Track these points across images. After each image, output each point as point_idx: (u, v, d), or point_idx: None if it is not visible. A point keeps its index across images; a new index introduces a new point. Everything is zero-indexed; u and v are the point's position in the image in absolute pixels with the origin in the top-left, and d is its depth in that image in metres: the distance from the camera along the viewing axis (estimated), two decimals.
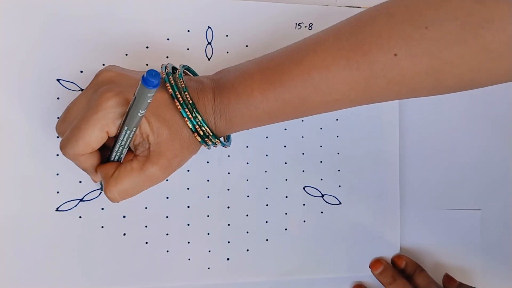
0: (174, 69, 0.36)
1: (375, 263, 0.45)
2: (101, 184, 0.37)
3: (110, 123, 0.31)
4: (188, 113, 0.33)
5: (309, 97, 0.32)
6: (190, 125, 0.33)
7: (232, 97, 0.33)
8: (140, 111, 0.29)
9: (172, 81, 0.33)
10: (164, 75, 0.34)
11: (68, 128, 0.32)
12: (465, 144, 0.48)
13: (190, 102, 0.33)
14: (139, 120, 0.30)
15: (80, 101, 0.34)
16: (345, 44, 0.32)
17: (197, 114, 0.33)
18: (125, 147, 0.33)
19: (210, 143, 0.34)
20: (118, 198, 0.33)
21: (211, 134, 0.34)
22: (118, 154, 0.33)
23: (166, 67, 0.35)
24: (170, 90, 0.33)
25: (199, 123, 0.33)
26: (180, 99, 0.33)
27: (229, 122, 0.34)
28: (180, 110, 0.33)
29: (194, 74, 0.39)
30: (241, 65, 0.35)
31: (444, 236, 0.47)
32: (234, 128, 0.35)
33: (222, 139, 0.35)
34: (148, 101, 0.29)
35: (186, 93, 0.33)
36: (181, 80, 0.33)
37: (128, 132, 0.31)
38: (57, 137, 0.40)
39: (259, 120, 0.34)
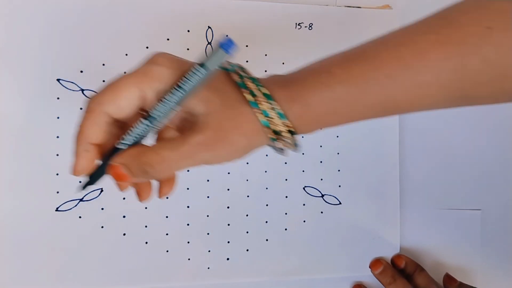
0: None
1: (375, 263, 0.45)
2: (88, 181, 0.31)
3: (150, 86, 0.27)
4: (260, 101, 0.28)
5: (399, 76, 0.28)
6: (249, 97, 0.28)
7: (309, 77, 0.29)
8: (201, 81, 0.26)
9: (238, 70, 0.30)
10: (226, 66, 0.30)
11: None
12: (465, 144, 0.48)
13: (260, 85, 0.28)
14: (189, 91, 0.27)
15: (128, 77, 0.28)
16: (434, 23, 0.30)
17: (269, 100, 0.28)
18: (159, 126, 0.28)
19: (278, 139, 0.28)
20: (161, 173, 0.28)
21: (280, 122, 0.28)
22: (142, 135, 0.28)
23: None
24: (237, 77, 0.29)
25: (268, 107, 0.28)
26: (239, 71, 0.29)
27: (305, 109, 0.28)
28: (238, 82, 0.29)
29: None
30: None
31: (444, 236, 0.47)
32: (311, 118, 0.29)
33: (295, 138, 0.29)
34: (213, 66, 0.26)
35: (254, 81, 0.29)
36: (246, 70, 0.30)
37: (172, 103, 0.27)
38: (57, 137, 0.40)
39: (339, 107, 0.29)
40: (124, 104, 0.27)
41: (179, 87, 0.27)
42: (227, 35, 0.25)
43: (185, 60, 0.29)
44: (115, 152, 0.29)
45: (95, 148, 0.29)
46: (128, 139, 0.28)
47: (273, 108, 0.28)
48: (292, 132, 0.28)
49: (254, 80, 0.29)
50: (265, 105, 0.28)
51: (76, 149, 0.29)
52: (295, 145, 0.29)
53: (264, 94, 0.28)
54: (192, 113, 0.28)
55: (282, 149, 0.30)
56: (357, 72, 0.28)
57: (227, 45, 0.26)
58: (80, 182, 0.40)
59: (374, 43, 0.30)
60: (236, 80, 0.29)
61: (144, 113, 0.28)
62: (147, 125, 0.27)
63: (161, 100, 0.27)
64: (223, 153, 0.28)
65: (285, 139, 0.28)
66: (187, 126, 0.28)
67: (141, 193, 0.31)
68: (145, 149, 0.28)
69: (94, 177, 0.31)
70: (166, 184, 0.31)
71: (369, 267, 0.45)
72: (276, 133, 0.28)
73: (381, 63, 0.28)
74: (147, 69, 0.27)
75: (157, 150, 0.27)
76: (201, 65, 0.27)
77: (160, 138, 0.30)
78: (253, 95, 0.28)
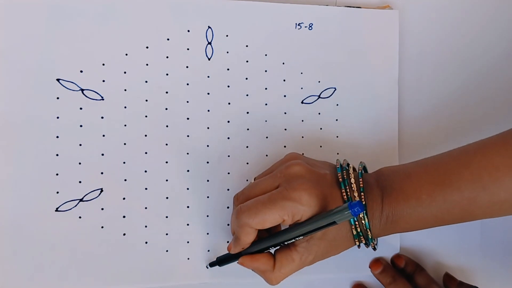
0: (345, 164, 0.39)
1: (375, 263, 0.45)
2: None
3: (291, 215, 0.34)
4: (358, 223, 0.35)
5: (478, 198, 0.34)
6: (355, 232, 0.36)
7: (400, 199, 0.35)
8: (328, 226, 0.33)
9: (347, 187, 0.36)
10: (340, 179, 0.37)
11: (249, 200, 0.35)
12: (465, 144, 0.48)
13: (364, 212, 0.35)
14: (313, 231, 0.34)
15: (268, 183, 0.36)
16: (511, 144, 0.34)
17: (367, 227, 0.35)
18: (288, 243, 0.36)
19: (364, 243, 0.37)
20: (279, 282, 0.37)
21: (370, 237, 0.36)
22: (273, 249, 0.37)
23: (342, 171, 0.37)
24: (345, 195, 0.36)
25: (363, 227, 0.36)
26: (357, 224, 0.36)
27: (393, 224, 0.36)
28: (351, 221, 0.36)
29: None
30: (404, 166, 0.38)
31: (444, 236, 0.47)
32: (395, 230, 0.36)
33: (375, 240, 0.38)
34: (339, 220, 0.32)
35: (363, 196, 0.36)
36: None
37: (301, 237, 0.35)
38: (57, 137, 0.40)
39: (424, 223, 0.36)
40: (267, 225, 0.34)
41: (313, 230, 0.34)
42: (359, 201, 0.32)
43: (315, 171, 0.37)
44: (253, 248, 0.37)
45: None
46: (269, 247, 0.37)
47: (367, 232, 0.36)
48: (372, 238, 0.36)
49: (367, 227, 0.36)
50: (364, 237, 0.36)
51: (235, 243, 0.37)
52: (374, 245, 0.37)
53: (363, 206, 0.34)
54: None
55: (366, 246, 0.37)
56: (441, 198, 0.34)
57: (356, 210, 0.31)
58: (80, 182, 0.40)
59: (457, 159, 0.35)
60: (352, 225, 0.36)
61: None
62: (285, 240, 0.35)
63: (294, 228, 0.35)
64: (318, 261, 0.37)
65: (367, 241, 0.37)
66: (303, 250, 0.36)
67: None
68: (271, 261, 0.36)
69: (224, 261, 0.40)
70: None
71: (369, 267, 0.45)
72: (359, 237, 0.36)
73: (463, 187, 0.34)
74: (293, 206, 0.34)
75: (280, 270, 0.36)
76: (332, 222, 0.33)
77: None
78: (360, 235, 0.36)
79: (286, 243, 0.36)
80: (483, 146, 0.35)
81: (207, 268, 0.42)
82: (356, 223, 0.35)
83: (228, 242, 0.43)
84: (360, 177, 0.37)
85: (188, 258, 0.42)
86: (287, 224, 0.35)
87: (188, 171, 0.43)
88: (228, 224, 0.43)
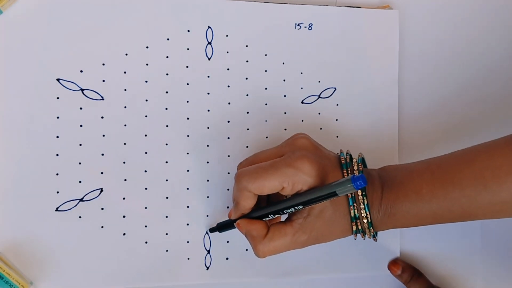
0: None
1: (393, 265, 0.44)
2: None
3: (291, 183, 0.34)
4: (356, 205, 0.35)
5: (478, 196, 0.33)
6: (352, 214, 0.35)
7: (400, 194, 0.35)
8: (328, 199, 0.33)
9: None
10: (343, 162, 0.37)
11: (252, 166, 0.35)
12: (465, 144, 0.48)
13: (363, 194, 0.35)
14: (315, 202, 0.34)
15: (273, 151, 0.37)
16: None
17: (367, 210, 0.35)
18: (286, 214, 0.36)
19: (363, 234, 0.36)
20: (266, 255, 0.36)
21: (369, 227, 0.35)
22: (272, 216, 0.36)
23: (345, 155, 0.37)
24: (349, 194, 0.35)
25: (363, 215, 0.35)
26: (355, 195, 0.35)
27: (391, 218, 0.35)
28: (349, 198, 0.35)
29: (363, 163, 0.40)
30: (407, 164, 0.38)
31: (444, 240, 0.47)
32: (392, 224, 0.36)
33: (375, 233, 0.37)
34: (343, 194, 0.32)
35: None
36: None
37: (301, 207, 0.34)
38: (57, 137, 0.40)
39: (423, 219, 0.36)
40: (266, 191, 0.34)
41: (313, 199, 0.33)
42: (361, 173, 0.33)
43: (321, 148, 0.37)
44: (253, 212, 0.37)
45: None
46: (268, 215, 0.36)
47: (366, 217, 0.35)
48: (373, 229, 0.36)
49: (366, 206, 0.35)
50: (364, 221, 0.35)
51: (234, 209, 0.37)
52: (373, 236, 0.37)
53: (366, 207, 0.35)
54: (310, 210, 0.35)
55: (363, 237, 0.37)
56: (442, 193, 0.34)
57: (359, 183, 0.31)
58: (80, 182, 0.40)
59: (460, 157, 0.35)
60: (349, 195, 0.35)
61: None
62: (282, 210, 0.35)
63: (294, 195, 0.35)
64: (312, 244, 0.37)
65: (367, 232, 0.36)
66: (296, 218, 0.36)
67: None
68: (258, 227, 0.36)
69: (224, 227, 0.40)
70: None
71: (388, 269, 0.45)
72: (359, 229, 0.36)
73: (464, 184, 0.34)
74: (294, 174, 0.34)
75: (271, 240, 0.35)
76: (332, 193, 0.32)
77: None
78: (356, 217, 0.35)
79: (285, 211, 0.35)
80: (487, 147, 0.35)
81: (207, 233, 0.42)
82: (355, 204, 0.35)
83: (228, 242, 0.43)
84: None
85: (188, 258, 0.42)
86: (286, 193, 0.35)
87: (188, 171, 0.42)
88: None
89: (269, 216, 0.36)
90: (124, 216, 0.41)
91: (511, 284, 0.48)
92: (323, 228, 0.35)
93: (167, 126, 0.42)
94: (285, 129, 0.44)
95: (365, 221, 0.35)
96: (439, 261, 0.47)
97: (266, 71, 0.44)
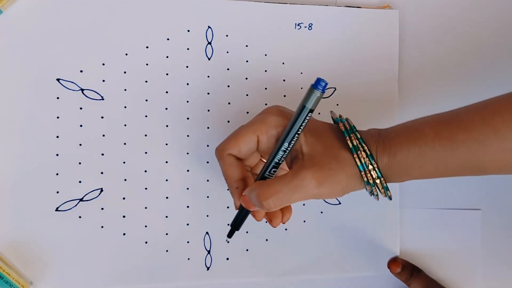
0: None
1: (393, 263, 0.44)
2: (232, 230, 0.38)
3: (263, 130, 0.34)
4: (354, 139, 0.33)
5: (487, 141, 0.31)
6: (350, 144, 0.33)
7: (402, 136, 0.33)
8: (304, 121, 0.32)
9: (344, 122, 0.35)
10: (336, 117, 0.36)
11: None
12: None
13: (356, 132, 0.33)
14: (297, 134, 0.32)
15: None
16: None
17: (361, 142, 0.32)
18: (279, 164, 0.34)
19: (370, 179, 0.33)
20: (272, 205, 0.32)
21: (378, 176, 0.32)
22: (269, 173, 0.35)
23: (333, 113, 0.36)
24: (342, 126, 0.34)
25: (364, 155, 0.32)
26: (346, 124, 0.34)
27: (392, 158, 0.32)
28: (343, 130, 0.33)
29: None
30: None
31: (444, 236, 0.47)
32: (396, 169, 0.33)
33: (384, 183, 0.33)
34: (310, 105, 0.32)
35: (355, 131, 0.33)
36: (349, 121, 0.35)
37: (286, 146, 0.33)
38: (57, 137, 0.40)
39: (426, 163, 0.32)
40: (243, 147, 0.34)
41: (290, 129, 0.32)
42: (318, 78, 0.32)
43: (292, 111, 0.35)
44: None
45: (242, 184, 0.35)
46: (264, 173, 0.34)
47: (367, 156, 0.32)
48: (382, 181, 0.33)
49: (354, 129, 0.33)
50: (362, 153, 0.32)
51: (230, 190, 0.36)
52: (386, 191, 0.33)
53: (360, 142, 0.32)
54: (300, 152, 0.33)
55: (376, 194, 0.34)
56: (446, 135, 0.31)
57: (319, 84, 0.31)
58: (80, 182, 0.40)
59: (469, 107, 0.33)
60: (342, 128, 0.34)
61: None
62: (274, 162, 0.34)
63: (277, 142, 0.34)
64: (327, 190, 0.32)
65: (377, 186, 0.33)
66: (295, 165, 0.33)
67: (272, 220, 0.36)
68: (261, 183, 0.33)
69: (237, 223, 0.37)
70: (285, 212, 0.36)
71: (388, 267, 0.45)
72: (370, 179, 0.33)
73: (471, 127, 0.31)
74: (263, 119, 0.34)
75: (270, 184, 0.32)
76: (302, 107, 0.32)
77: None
78: (353, 143, 0.32)
79: (275, 162, 0.34)
80: (498, 98, 0.33)
81: (228, 242, 0.41)
82: (359, 152, 0.32)
83: (228, 242, 0.43)
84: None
85: (188, 258, 0.42)
86: (265, 147, 0.34)
87: (188, 171, 0.42)
88: (228, 224, 0.43)
89: (266, 176, 0.34)
90: (124, 216, 0.41)
91: (511, 280, 0.48)
92: (324, 162, 0.32)
93: (167, 126, 0.42)
94: None
95: (370, 167, 0.32)
96: (439, 261, 0.47)
97: (266, 71, 0.44)
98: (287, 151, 0.33)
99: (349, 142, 0.33)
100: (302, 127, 0.32)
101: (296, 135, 0.33)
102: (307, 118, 0.32)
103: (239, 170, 0.35)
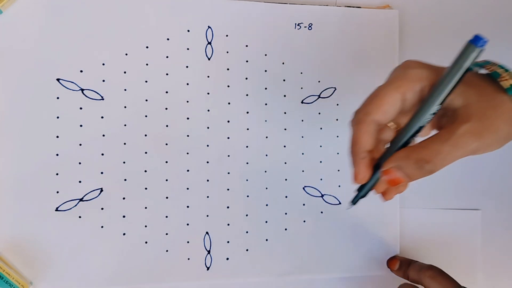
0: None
1: (392, 262, 0.45)
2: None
3: (409, 86, 0.29)
4: (509, 78, 0.29)
5: None
6: (505, 85, 0.29)
7: None
8: (457, 75, 0.28)
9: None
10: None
11: None
12: None
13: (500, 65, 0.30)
14: (450, 88, 0.28)
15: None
16: None
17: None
18: (425, 124, 0.30)
19: None
20: (437, 167, 0.29)
21: None
22: (413, 135, 0.30)
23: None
24: (489, 68, 0.30)
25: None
26: (493, 66, 0.31)
27: None
28: (491, 72, 0.30)
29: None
30: None
31: (444, 236, 0.47)
32: None
33: None
34: (469, 63, 0.27)
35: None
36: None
37: (437, 101, 0.29)
38: (57, 137, 0.40)
39: None
40: (388, 109, 0.30)
41: (440, 84, 0.28)
42: (476, 34, 0.27)
43: (432, 65, 0.31)
44: (382, 159, 0.31)
45: (369, 155, 0.32)
46: (400, 139, 0.30)
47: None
48: None
49: (505, 67, 0.29)
50: None
51: (354, 159, 0.32)
52: None
53: None
54: (451, 108, 0.29)
55: None
56: None
57: (477, 40, 0.27)
58: (80, 182, 0.40)
59: None
60: (489, 70, 0.30)
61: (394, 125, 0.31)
62: (420, 122, 0.29)
63: (425, 100, 0.29)
64: (489, 141, 0.29)
65: None
66: (446, 121, 0.30)
67: (387, 193, 0.34)
68: (414, 148, 0.29)
69: (365, 188, 0.34)
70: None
71: (387, 266, 0.45)
72: None
73: None
74: (404, 74, 0.30)
75: (427, 146, 0.29)
76: (457, 62, 0.28)
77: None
78: (509, 82, 0.29)
79: (424, 123, 0.30)
80: None
81: (350, 207, 0.37)
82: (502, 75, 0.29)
83: (228, 242, 0.43)
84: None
85: (188, 258, 0.42)
86: (409, 106, 0.30)
87: (188, 171, 0.43)
88: (228, 224, 0.43)
89: (410, 141, 0.30)
90: (124, 216, 0.41)
91: (511, 280, 0.48)
92: (480, 113, 0.29)
93: (167, 126, 0.42)
94: (285, 129, 0.44)
95: None
96: (439, 260, 0.47)
97: (266, 71, 0.44)
98: (436, 112, 0.29)
99: (503, 82, 0.29)
100: (455, 88, 0.29)
101: (447, 96, 0.29)
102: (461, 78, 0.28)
103: (373, 140, 0.31)
